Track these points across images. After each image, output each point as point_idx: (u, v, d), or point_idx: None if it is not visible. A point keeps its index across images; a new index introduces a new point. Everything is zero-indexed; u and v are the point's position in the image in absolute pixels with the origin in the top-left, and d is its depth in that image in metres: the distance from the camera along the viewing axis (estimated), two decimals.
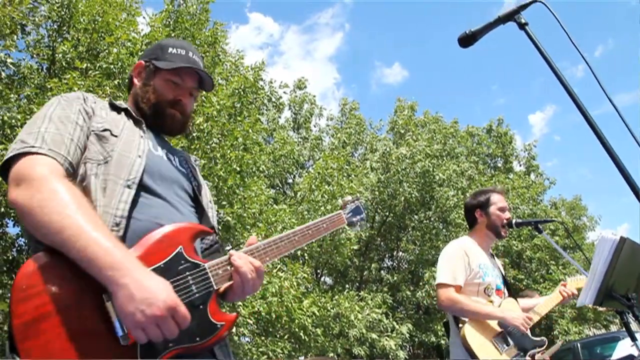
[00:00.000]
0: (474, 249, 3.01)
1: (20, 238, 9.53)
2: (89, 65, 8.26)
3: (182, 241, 1.21)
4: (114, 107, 1.47)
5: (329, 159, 13.78)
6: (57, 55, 8.63)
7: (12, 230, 9.56)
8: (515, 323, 2.75)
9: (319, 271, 16.35)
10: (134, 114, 1.48)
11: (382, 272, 18.64)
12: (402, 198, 16.48)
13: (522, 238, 17.98)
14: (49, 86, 7.40)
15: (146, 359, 1.05)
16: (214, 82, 1.63)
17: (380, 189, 16.45)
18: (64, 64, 8.57)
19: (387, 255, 19.57)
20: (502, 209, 3.06)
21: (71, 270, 1.04)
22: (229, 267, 1.28)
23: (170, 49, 1.53)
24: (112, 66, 8.18)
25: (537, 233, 3.00)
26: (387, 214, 17.81)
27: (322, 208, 12.45)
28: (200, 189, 1.52)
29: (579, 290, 2.81)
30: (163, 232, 1.19)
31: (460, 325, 2.82)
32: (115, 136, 1.34)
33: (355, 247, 13.82)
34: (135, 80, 1.55)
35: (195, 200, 1.47)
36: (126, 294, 1.02)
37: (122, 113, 1.46)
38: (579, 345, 11.23)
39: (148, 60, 1.55)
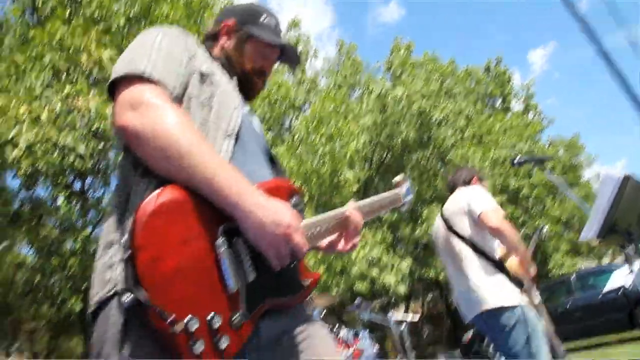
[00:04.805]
0: None
1: (21, 191, 9.53)
2: (72, 10, 7.98)
3: (281, 198, 1.19)
4: (210, 55, 1.43)
5: (325, 99, 13.60)
6: (37, 1, 8.33)
7: (13, 183, 9.54)
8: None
9: (319, 211, 16.56)
10: (225, 67, 1.45)
11: None
12: (400, 139, 16.44)
13: (519, 176, 18.11)
14: (30, 35, 7.19)
15: (247, 307, 1.08)
16: (300, 61, 1.68)
17: (377, 130, 16.36)
18: (47, 12, 8.28)
19: None
20: None
21: (188, 209, 1.05)
22: (318, 229, 1.32)
23: (262, 17, 1.52)
24: (96, 12, 7.91)
25: (537, 169, 3.05)
26: (385, 154, 17.84)
27: (320, 150, 12.45)
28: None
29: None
30: (264, 186, 1.18)
31: (503, 258, 2.83)
32: (216, 83, 1.30)
33: (355, 189, 13.93)
34: (224, 39, 1.51)
35: (271, 160, 1.47)
36: (256, 218, 1.07)
37: (216, 63, 1.41)
38: (573, 277, 11.55)
39: (238, 22, 1.51)
